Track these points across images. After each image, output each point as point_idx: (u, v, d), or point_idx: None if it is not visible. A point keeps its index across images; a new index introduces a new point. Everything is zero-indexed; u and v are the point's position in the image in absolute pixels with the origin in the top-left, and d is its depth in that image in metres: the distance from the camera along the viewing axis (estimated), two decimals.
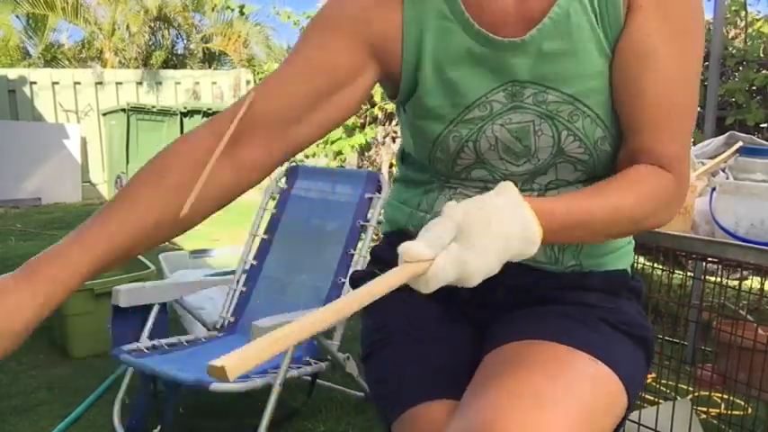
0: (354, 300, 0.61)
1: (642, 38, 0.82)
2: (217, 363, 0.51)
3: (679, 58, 0.83)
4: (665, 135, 0.83)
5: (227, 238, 5.28)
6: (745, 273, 1.85)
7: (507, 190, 0.71)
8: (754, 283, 2.62)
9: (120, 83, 9.09)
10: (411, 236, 1.01)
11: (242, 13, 5.71)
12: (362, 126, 5.41)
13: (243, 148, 0.84)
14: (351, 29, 0.88)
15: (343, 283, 2.15)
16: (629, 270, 1.01)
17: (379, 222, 2.21)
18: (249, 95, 0.87)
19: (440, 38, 0.88)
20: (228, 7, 5.63)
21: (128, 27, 11.02)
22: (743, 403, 2.04)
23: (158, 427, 2.00)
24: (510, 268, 0.78)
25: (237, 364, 0.52)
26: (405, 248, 0.66)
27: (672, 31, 0.82)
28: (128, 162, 7.81)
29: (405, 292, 1.02)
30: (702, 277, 2.30)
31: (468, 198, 0.95)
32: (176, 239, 5.37)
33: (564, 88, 0.86)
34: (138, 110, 7.81)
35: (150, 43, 11.76)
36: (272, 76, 0.88)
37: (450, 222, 0.68)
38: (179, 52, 12.58)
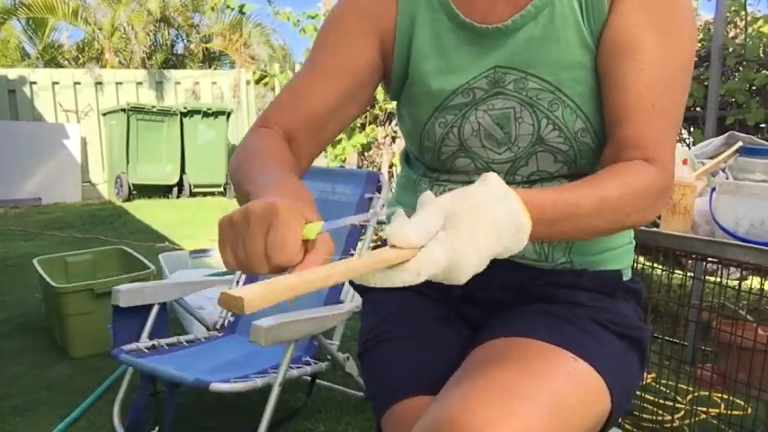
0: (346, 269, 0.61)
1: (626, 30, 0.82)
2: (234, 293, 0.51)
3: (664, 50, 0.82)
4: (649, 128, 0.82)
5: None
6: (745, 273, 1.85)
7: (492, 180, 0.69)
8: (754, 283, 2.62)
9: (120, 83, 9.09)
10: None
11: (242, 13, 5.71)
12: (362, 126, 5.41)
13: (294, 148, 0.91)
14: (364, 27, 0.93)
15: (344, 283, 2.15)
16: (629, 270, 1.01)
17: (379, 222, 2.21)
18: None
19: (429, 28, 0.92)
20: (228, 6, 5.63)
21: (132, 27, 11.02)
22: (743, 403, 2.04)
23: (157, 428, 2.00)
24: (501, 266, 0.78)
25: (255, 299, 0.52)
26: (394, 233, 0.63)
27: (656, 22, 0.82)
28: (128, 162, 7.82)
29: (401, 291, 1.02)
30: (702, 277, 2.29)
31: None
32: (176, 239, 5.37)
33: (544, 75, 0.87)
34: (138, 110, 7.82)
35: (150, 43, 11.75)
36: (300, 80, 0.95)
37: (439, 210, 0.66)
38: (179, 52, 12.59)
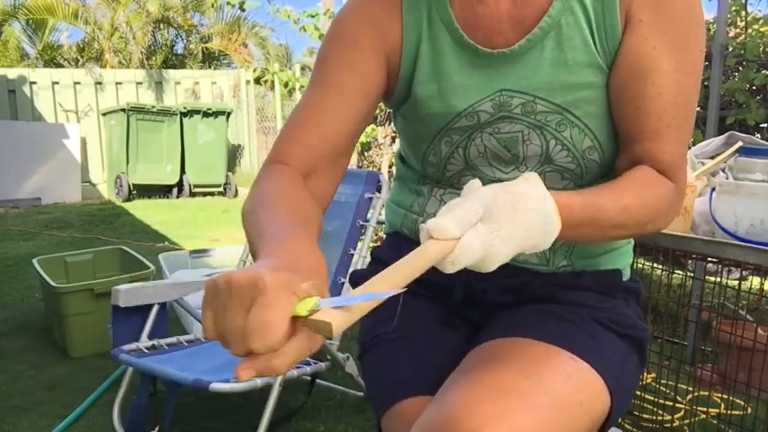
0: (394, 277, 0.61)
1: (643, 52, 0.82)
2: (324, 318, 0.51)
3: (679, 70, 0.83)
4: (666, 145, 0.84)
5: (227, 239, 5.28)
6: (744, 273, 1.85)
7: (533, 179, 0.71)
8: (753, 283, 2.62)
9: (120, 83, 9.10)
10: (406, 238, 1.02)
11: (242, 9, 5.70)
12: None
13: (315, 182, 0.86)
14: (371, 43, 0.90)
15: (343, 282, 2.14)
16: (628, 270, 1.01)
17: (379, 222, 2.21)
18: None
19: (432, 46, 0.90)
20: (229, 3, 5.62)
21: (130, 28, 11.02)
22: (743, 403, 2.04)
23: (157, 428, 2.00)
24: (502, 269, 0.77)
25: (341, 323, 0.53)
26: (433, 225, 0.63)
27: (672, 44, 0.82)
28: (128, 162, 7.82)
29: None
30: (702, 277, 2.30)
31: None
32: (176, 239, 5.37)
33: (552, 98, 0.86)
34: (138, 110, 7.82)
35: (150, 43, 11.75)
36: (313, 102, 0.89)
37: (479, 203, 0.67)
38: (179, 52, 12.59)
